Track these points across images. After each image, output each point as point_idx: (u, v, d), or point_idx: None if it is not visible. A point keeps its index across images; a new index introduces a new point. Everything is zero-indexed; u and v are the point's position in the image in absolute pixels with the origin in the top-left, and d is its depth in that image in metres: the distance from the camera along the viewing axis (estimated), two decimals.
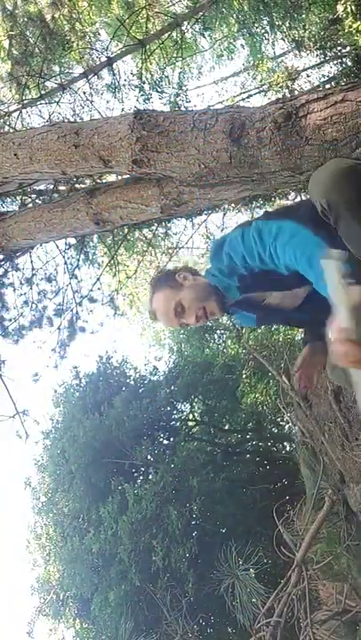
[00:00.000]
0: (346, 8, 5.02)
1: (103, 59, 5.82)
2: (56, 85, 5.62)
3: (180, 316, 1.61)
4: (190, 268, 1.75)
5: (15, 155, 2.47)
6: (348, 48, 5.72)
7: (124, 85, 6.11)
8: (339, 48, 6.03)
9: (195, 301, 1.61)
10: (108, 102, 6.30)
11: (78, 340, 6.05)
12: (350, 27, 5.17)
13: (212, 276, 1.68)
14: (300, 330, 1.79)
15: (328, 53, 6.22)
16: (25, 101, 5.40)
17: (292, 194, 4.98)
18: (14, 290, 5.39)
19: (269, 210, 1.85)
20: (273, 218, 1.52)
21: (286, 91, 6.20)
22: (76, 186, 4.34)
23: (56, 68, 6.06)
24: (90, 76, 5.60)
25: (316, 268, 1.23)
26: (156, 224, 5.46)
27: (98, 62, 5.94)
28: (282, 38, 7.00)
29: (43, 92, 5.52)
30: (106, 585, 6.05)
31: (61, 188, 4.70)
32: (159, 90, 6.02)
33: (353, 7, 5.01)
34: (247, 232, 1.49)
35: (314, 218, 1.40)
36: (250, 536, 6.03)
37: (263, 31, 7.10)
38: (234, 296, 1.65)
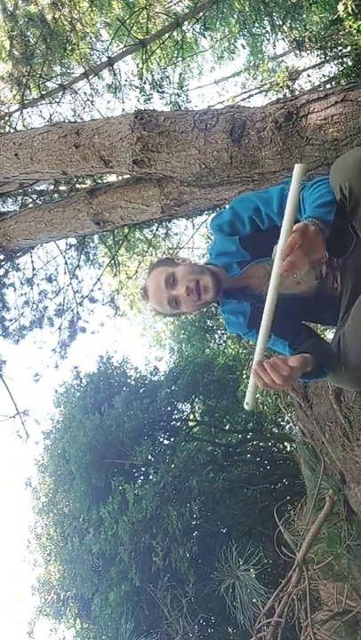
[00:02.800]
0: (346, 8, 5.01)
1: (104, 59, 5.82)
2: (57, 86, 5.62)
3: (172, 287, 1.53)
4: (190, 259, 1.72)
5: (16, 155, 2.47)
6: (348, 48, 5.71)
7: (124, 85, 6.12)
8: (339, 48, 6.03)
9: (188, 274, 1.53)
10: (108, 102, 6.32)
11: (79, 340, 6.08)
12: (351, 27, 5.16)
13: (213, 255, 1.64)
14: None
15: (329, 53, 6.22)
16: (26, 102, 5.40)
17: None
18: (15, 290, 5.41)
19: None
20: None
21: (287, 91, 6.21)
22: (77, 186, 4.35)
23: (57, 69, 6.06)
24: (90, 77, 5.60)
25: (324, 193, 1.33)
26: (156, 224, 5.47)
27: (98, 62, 5.95)
28: (282, 38, 7.00)
29: (43, 93, 5.52)
30: (106, 585, 6.05)
31: (62, 188, 4.71)
32: (160, 90, 6.02)
33: (353, 7, 5.00)
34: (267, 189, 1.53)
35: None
36: (250, 536, 6.03)
37: (264, 31, 7.10)
38: (234, 274, 1.58)
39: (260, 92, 8.59)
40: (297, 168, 1.24)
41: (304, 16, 6.26)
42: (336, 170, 1.34)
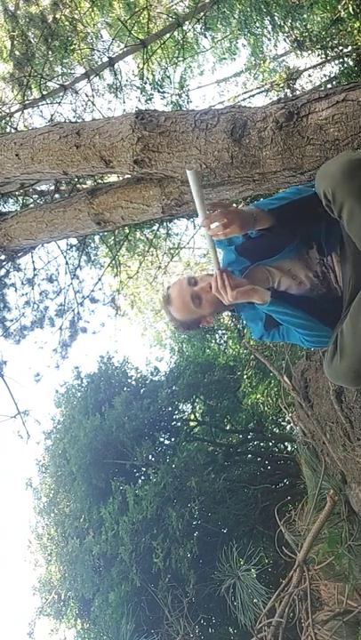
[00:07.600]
0: (347, 8, 5.02)
1: (105, 59, 5.83)
2: (58, 86, 5.62)
3: (194, 284, 1.74)
4: None
5: (17, 155, 2.46)
6: (349, 48, 5.72)
7: (125, 86, 6.12)
8: (340, 48, 6.03)
9: (206, 275, 1.76)
10: (109, 102, 6.33)
11: (80, 340, 6.07)
12: (351, 27, 5.16)
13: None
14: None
15: (329, 53, 6.22)
16: (27, 102, 5.41)
17: None
18: (16, 290, 5.41)
19: None
20: None
21: (288, 90, 6.20)
22: (78, 186, 4.35)
23: (58, 69, 6.06)
24: (91, 77, 5.60)
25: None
26: (157, 224, 5.47)
27: (99, 63, 5.95)
28: (283, 38, 7.00)
29: (44, 93, 5.52)
30: (107, 585, 6.05)
31: (63, 188, 4.71)
32: (161, 90, 6.02)
33: (354, 7, 5.00)
34: None
35: (312, 211, 1.54)
36: (251, 536, 6.04)
37: (265, 31, 7.10)
38: None
39: (261, 92, 8.58)
40: (190, 174, 1.49)
41: (305, 16, 6.27)
42: (321, 176, 1.39)
